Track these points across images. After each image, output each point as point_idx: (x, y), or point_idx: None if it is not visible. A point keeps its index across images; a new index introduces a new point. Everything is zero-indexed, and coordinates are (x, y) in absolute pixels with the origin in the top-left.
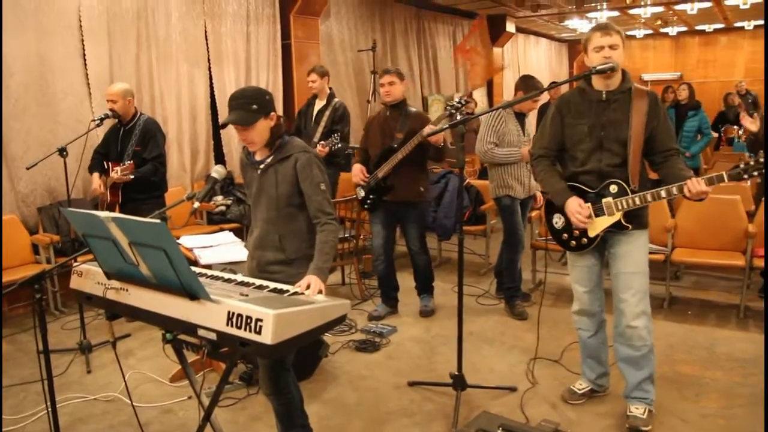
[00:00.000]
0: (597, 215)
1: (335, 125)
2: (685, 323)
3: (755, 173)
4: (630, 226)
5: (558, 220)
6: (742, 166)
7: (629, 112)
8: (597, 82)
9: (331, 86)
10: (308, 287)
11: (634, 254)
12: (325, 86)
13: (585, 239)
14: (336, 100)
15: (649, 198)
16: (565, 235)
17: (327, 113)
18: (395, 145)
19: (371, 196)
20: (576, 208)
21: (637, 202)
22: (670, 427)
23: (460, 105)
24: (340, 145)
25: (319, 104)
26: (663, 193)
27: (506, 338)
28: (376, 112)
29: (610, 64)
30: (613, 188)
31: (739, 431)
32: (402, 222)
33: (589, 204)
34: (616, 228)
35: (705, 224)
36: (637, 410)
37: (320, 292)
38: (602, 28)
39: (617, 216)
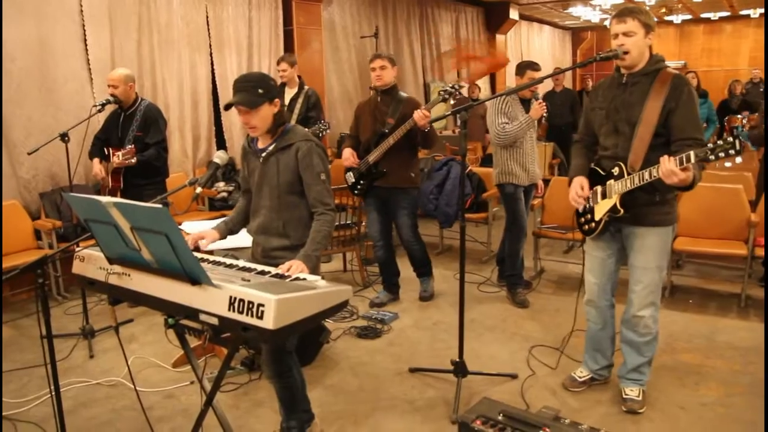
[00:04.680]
0: (604, 197)
1: (309, 112)
2: (686, 312)
3: (722, 154)
4: (622, 211)
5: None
6: (710, 146)
7: (647, 94)
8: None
9: (299, 75)
10: (289, 269)
11: (645, 250)
12: (294, 75)
13: (593, 223)
14: (307, 87)
15: (636, 180)
16: (582, 218)
17: (300, 100)
18: (386, 131)
19: (361, 182)
20: (576, 187)
21: (628, 184)
22: (670, 415)
23: (453, 90)
24: (328, 131)
25: (289, 92)
26: (646, 175)
27: (507, 325)
28: (366, 98)
29: (615, 51)
30: (616, 170)
31: (738, 420)
32: (393, 210)
33: (597, 187)
34: (612, 212)
35: (707, 213)
36: (632, 392)
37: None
38: (618, 15)
39: (614, 199)
